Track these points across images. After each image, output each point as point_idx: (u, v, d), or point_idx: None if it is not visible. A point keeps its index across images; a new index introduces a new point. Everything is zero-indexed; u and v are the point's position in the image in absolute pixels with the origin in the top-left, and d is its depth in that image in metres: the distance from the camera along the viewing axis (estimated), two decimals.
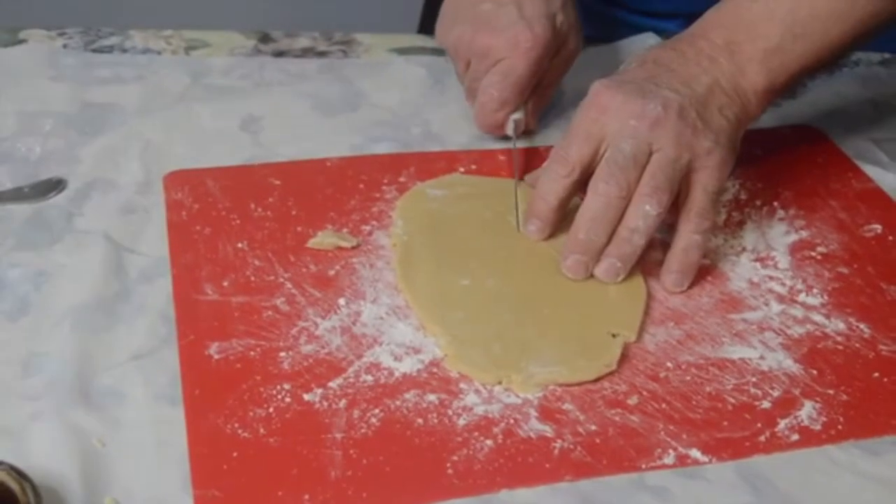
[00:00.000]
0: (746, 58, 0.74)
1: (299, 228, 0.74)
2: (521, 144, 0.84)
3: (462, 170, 0.82)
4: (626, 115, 0.70)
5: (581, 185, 0.72)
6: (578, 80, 0.80)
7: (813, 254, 0.76)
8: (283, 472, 0.58)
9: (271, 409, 0.61)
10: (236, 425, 0.60)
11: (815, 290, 0.73)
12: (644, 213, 0.69)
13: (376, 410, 0.61)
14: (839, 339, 0.69)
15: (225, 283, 0.69)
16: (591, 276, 0.70)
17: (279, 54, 0.96)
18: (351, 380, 0.63)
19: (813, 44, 0.75)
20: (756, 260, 0.75)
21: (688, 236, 0.71)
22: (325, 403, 0.62)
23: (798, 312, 0.71)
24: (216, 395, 0.62)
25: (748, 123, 0.75)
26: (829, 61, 0.78)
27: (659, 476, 0.59)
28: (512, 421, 0.61)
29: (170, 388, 0.62)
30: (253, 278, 0.70)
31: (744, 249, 0.76)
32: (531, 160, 0.83)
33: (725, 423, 0.62)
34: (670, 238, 0.72)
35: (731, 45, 0.74)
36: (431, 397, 0.62)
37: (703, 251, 0.72)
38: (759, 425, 0.62)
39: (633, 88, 0.71)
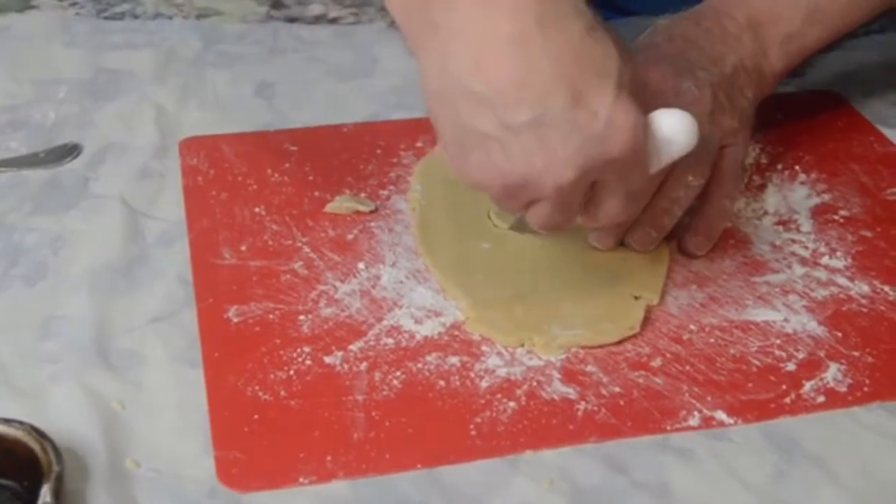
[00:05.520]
0: (769, 39, 0.73)
1: (317, 193, 0.74)
2: None
3: None
4: (662, 92, 0.68)
5: None
6: None
7: (835, 217, 0.75)
8: (305, 433, 0.57)
9: (292, 372, 0.60)
10: (257, 388, 0.59)
11: (838, 253, 0.72)
12: (686, 183, 0.68)
13: (398, 373, 0.61)
14: (863, 301, 0.68)
15: (243, 248, 0.69)
16: None
17: (291, 20, 0.95)
18: (371, 343, 0.63)
19: (830, 29, 0.75)
20: (778, 223, 0.74)
21: (718, 202, 0.70)
22: (346, 366, 0.61)
23: (822, 275, 0.70)
24: (236, 357, 0.61)
25: (760, 100, 0.75)
26: (839, 42, 0.78)
27: (684, 437, 0.59)
28: (535, 383, 0.61)
29: (189, 351, 0.62)
30: (271, 242, 0.69)
31: (766, 213, 0.75)
32: None
33: (750, 384, 0.62)
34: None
35: (755, 25, 0.73)
36: (453, 360, 0.62)
37: (729, 219, 0.72)
38: (784, 387, 0.62)
39: (667, 65, 0.70)
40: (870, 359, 0.64)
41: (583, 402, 0.60)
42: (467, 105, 0.55)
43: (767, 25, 0.74)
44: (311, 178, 0.75)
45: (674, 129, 0.58)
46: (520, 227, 0.69)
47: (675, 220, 0.69)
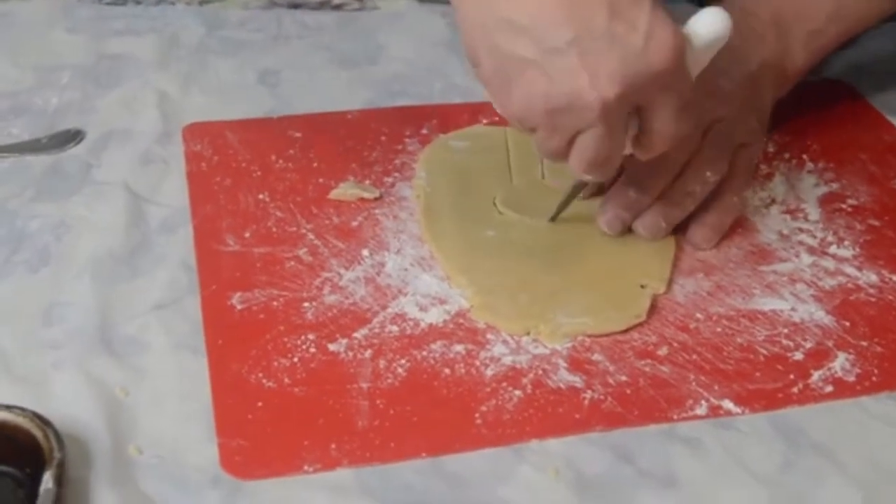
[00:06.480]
0: (792, 39, 0.73)
1: (321, 180, 0.73)
2: None
3: (485, 121, 0.80)
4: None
5: None
6: None
7: (843, 206, 0.75)
8: (309, 421, 0.57)
9: (296, 359, 0.60)
10: (260, 375, 0.59)
11: (846, 243, 0.71)
12: (704, 178, 0.68)
13: (402, 361, 0.60)
14: (872, 291, 0.68)
15: (246, 234, 0.68)
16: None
17: (295, 7, 0.94)
18: (376, 330, 0.62)
19: (850, 26, 0.75)
20: (786, 212, 0.74)
21: (728, 196, 0.70)
22: (351, 353, 0.61)
23: (829, 264, 0.69)
24: (239, 344, 0.61)
25: (777, 98, 0.75)
26: (856, 37, 0.79)
27: (691, 427, 0.58)
28: (541, 371, 0.60)
29: (192, 338, 0.61)
30: (275, 229, 0.69)
31: (773, 201, 0.75)
32: None
33: (758, 374, 0.61)
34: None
35: (779, 24, 0.73)
36: (458, 348, 0.61)
37: (737, 214, 0.71)
38: (792, 376, 0.61)
39: None
40: (878, 348, 0.63)
41: (589, 391, 0.59)
42: (507, 34, 0.56)
43: (792, 23, 0.73)
44: (315, 164, 0.75)
45: (709, 28, 0.58)
46: (564, 206, 0.69)
47: (687, 214, 0.69)
